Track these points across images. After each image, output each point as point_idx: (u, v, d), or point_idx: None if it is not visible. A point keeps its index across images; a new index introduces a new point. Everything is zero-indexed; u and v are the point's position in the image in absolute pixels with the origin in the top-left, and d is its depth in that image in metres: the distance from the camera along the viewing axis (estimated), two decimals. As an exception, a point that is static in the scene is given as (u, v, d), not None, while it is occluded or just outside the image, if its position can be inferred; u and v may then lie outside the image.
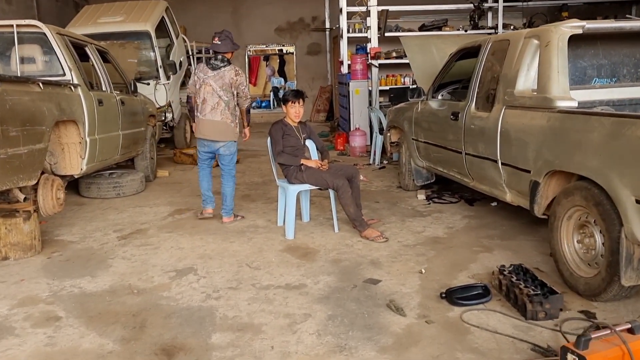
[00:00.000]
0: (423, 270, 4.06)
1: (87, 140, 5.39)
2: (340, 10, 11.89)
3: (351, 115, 9.60)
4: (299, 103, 5.05)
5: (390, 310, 3.43)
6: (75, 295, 3.83)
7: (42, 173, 4.72)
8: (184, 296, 3.78)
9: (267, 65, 21.46)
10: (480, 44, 4.93)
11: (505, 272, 3.56)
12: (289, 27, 16.29)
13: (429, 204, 6.06)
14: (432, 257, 4.38)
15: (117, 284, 4.03)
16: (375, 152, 8.55)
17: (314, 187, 5.00)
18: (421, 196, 6.29)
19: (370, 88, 9.41)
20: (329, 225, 5.33)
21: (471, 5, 11.59)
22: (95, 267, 4.40)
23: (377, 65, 8.97)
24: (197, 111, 5.39)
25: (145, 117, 7.58)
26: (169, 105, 9.88)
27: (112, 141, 6.22)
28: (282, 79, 20.86)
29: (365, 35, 11.77)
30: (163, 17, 10.32)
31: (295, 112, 5.05)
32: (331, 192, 5.09)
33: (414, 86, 5.89)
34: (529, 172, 3.92)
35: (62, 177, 5.42)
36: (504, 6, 11.82)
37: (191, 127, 5.99)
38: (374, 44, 8.84)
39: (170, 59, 10.13)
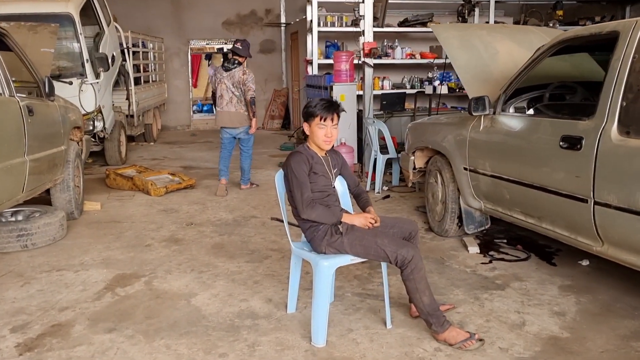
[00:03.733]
0: None
1: (-37, 178, 3.19)
2: (308, 0, 10.01)
3: (334, 127, 7.65)
4: (331, 120, 3.08)
5: None
6: None
7: None
8: None
9: (209, 65, 19.14)
10: (616, 30, 3.15)
11: None
12: (239, 21, 14.15)
13: (490, 261, 4.25)
14: (585, 392, 2.54)
15: None
16: (375, 176, 6.68)
17: (359, 260, 3.05)
18: (473, 248, 4.47)
19: (361, 92, 7.53)
20: (369, 311, 3.40)
21: (460, -1, 10.05)
22: None
23: (372, 65, 7.11)
24: (216, 105, 6.59)
25: (66, 131, 5.34)
26: (99, 111, 7.60)
27: (11, 173, 3.99)
28: (226, 81, 18.63)
29: (338, 30, 10.01)
30: (90, -3, 8.01)
31: (325, 134, 3.08)
32: (384, 265, 3.16)
33: (479, 95, 4.03)
34: None
35: None
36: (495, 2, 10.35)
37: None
38: (368, 37, 6.98)
39: (100, 51, 7.84)
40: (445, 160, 4.68)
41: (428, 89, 8.08)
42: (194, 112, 15.35)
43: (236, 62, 6.52)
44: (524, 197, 3.72)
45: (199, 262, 4.31)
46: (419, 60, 10.16)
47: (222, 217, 5.66)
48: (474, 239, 4.69)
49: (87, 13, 7.95)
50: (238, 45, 6.57)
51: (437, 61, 10.08)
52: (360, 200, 3.31)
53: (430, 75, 10.12)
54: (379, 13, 7.30)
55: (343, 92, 7.69)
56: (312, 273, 3.60)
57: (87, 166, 8.20)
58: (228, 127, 6.59)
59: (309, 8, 10.03)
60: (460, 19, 10.24)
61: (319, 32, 9.73)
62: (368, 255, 2.95)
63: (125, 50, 9.48)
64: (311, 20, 9.79)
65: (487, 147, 4.07)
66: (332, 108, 3.06)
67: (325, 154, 3.20)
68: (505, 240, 4.69)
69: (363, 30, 7.07)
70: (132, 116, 9.53)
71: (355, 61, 7.53)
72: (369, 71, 7.14)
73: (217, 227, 5.28)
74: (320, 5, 9.83)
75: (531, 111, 3.92)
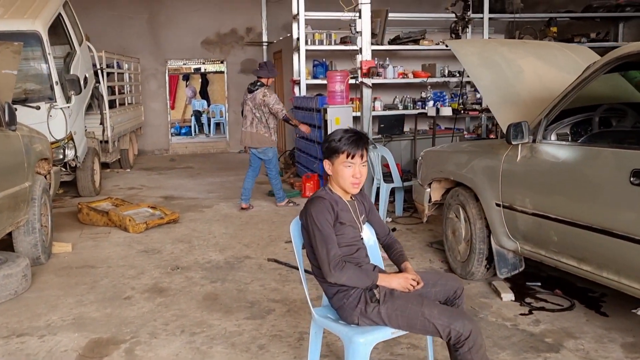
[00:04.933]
0: None
1: None
2: (294, 17, 9.50)
3: (329, 152, 7.06)
4: (360, 157, 2.47)
5: None
6: None
7: None
8: None
9: (187, 86, 18.49)
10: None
11: None
12: (219, 40, 13.54)
13: (529, 312, 3.67)
14: None
15: None
16: (378, 207, 6.09)
17: (401, 333, 2.43)
18: (507, 295, 3.88)
19: (358, 114, 6.98)
20: (405, 386, 2.77)
21: (453, 15, 9.62)
22: None
23: (371, 85, 6.56)
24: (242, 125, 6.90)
25: (31, 164, 4.65)
26: (70, 138, 6.89)
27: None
28: (205, 102, 17.95)
29: (327, 48, 9.51)
30: (60, 14, 7.34)
31: (353, 175, 2.47)
32: (429, 339, 2.55)
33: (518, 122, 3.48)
34: None
35: None
36: (489, 18, 9.99)
37: None
38: (365, 55, 6.45)
39: (71, 72, 7.15)
40: (470, 194, 4.11)
41: (431, 111, 7.53)
42: (172, 135, 14.64)
43: (258, 83, 6.73)
44: (578, 240, 3.16)
45: (190, 320, 3.64)
46: (412, 80, 9.69)
47: (212, 258, 5.00)
48: (505, 282, 4.12)
49: (57, 31, 7.27)
50: (257, 68, 6.92)
51: (430, 80, 9.65)
52: (393, 253, 2.70)
53: (423, 95, 9.64)
54: (377, 29, 6.78)
55: (338, 115, 7.15)
56: (328, 333, 3.00)
57: (57, 198, 7.46)
58: (250, 147, 6.87)
59: (294, 26, 9.53)
60: (453, 35, 9.82)
61: (306, 50, 9.20)
62: (412, 329, 2.34)
63: (99, 72, 8.79)
64: (298, 38, 9.27)
65: (527, 180, 3.51)
66: (362, 142, 2.46)
67: (351, 197, 2.59)
68: (539, 284, 4.12)
69: (360, 48, 6.53)
70: (106, 142, 8.82)
71: (352, 81, 7.00)
72: (367, 92, 6.59)
73: (208, 272, 4.61)
74: (306, 22, 9.31)
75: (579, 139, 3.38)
